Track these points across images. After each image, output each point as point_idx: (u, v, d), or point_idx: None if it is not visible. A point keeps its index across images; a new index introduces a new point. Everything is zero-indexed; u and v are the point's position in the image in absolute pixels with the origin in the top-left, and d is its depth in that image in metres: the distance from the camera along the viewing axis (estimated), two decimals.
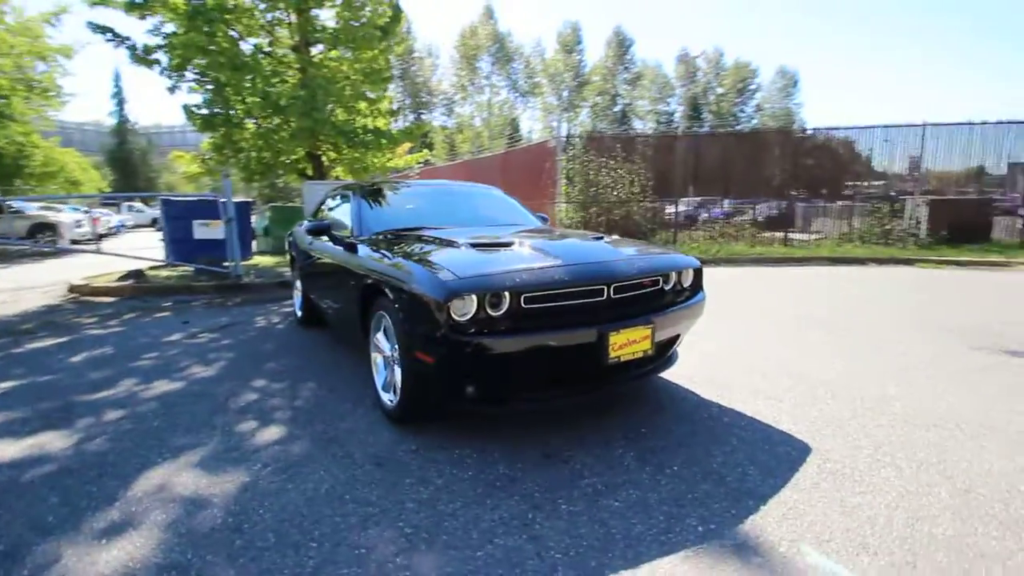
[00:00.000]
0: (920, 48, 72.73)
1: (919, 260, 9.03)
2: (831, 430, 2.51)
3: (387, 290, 2.50)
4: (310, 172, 10.61)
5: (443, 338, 2.13)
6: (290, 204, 13.17)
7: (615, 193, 11.46)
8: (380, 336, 2.77)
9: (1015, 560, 1.60)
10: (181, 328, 4.95)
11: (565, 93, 51.29)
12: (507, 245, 2.66)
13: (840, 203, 11.81)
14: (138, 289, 6.84)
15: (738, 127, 43.70)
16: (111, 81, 50.11)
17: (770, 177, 11.78)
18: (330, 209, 4.30)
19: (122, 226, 21.66)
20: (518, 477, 2.12)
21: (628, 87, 52.35)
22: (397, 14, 9.40)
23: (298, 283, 5.05)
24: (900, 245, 10.42)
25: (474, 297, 2.13)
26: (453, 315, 2.11)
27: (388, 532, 1.77)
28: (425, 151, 11.71)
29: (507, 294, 2.19)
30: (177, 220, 8.21)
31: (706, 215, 13.03)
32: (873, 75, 75.83)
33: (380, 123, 10.05)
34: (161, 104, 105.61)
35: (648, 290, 2.59)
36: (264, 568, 1.60)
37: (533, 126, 53.25)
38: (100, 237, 15.37)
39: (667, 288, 2.71)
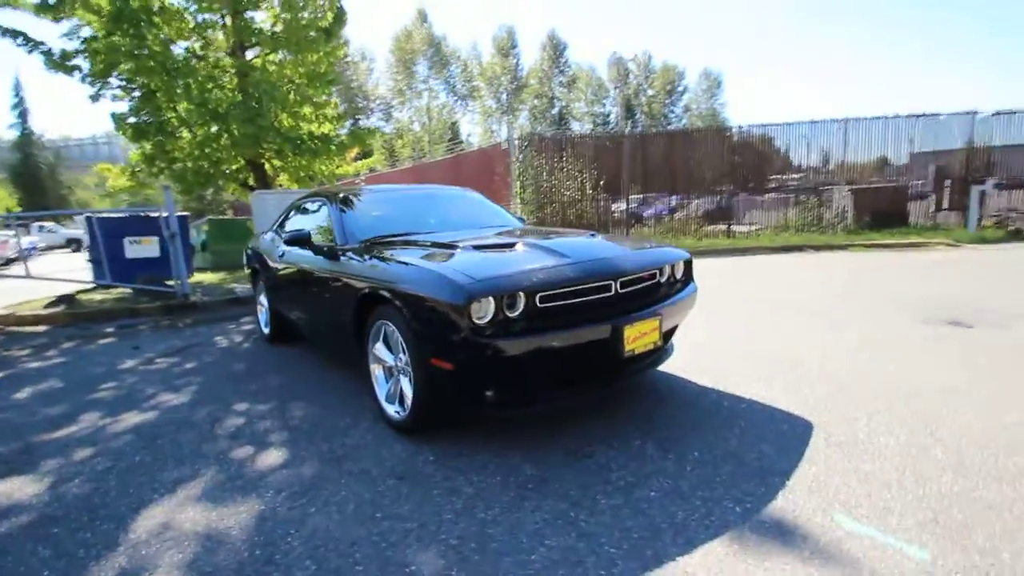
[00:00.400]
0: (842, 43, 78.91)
1: (851, 245, 9.77)
2: (824, 406, 2.67)
3: (392, 298, 2.42)
4: (252, 182, 10.12)
5: (463, 342, 2.09)
6: (229, 217, 12.47)
7: (567, 193, 11.68)
8: (380, 347, 2.68)
9: (1019, 507, 1.76)
10: (132, 354, 4.57)
11: (504, 96, 51.66)
12: (510, 246, 2.64)
13: (775, 195, 12.59)
14: (73, 315, 6.25)
15: (670, 127, 45.50)
16: (10, 91, 45.58)
17: (705, 173, 12.31)
18: (301, 218, 4.11)
19: (33, 248, 19.70)
20: (547, 477, 2.11)
21: (564, 90, 53.45)
22: (340, 15, 9.14)
23: (262, 298, 4.80)
24: (832, 232, 11.24)
25: (492, 299, 2.11)
26: (473, 318, 2.08)
27: (434, 546, 1.71)
28: (373, 157, 11.43)
29: (523, 294, 2.18)
30: (110, 238, 7.57)
31: (651, 211, 13.52)
32: (806, 72, 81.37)
33: (326, 128, 9.73)
34: (71, 115, 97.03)
35: (649, 283, 2.65)
36: None
37: (473, 129, 53.32)
38: (8, 262, 13.95)
39: (663, 280, 2.79)
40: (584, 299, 2.33)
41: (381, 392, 2.72)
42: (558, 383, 2.37)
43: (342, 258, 3.01)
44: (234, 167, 9.63)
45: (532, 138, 11.67)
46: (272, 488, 2.14)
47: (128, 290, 7.20)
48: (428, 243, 2.83)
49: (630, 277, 2.48)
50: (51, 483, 2.28)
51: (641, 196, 13.51)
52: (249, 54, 9.08)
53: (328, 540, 1.77)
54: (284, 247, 3.89)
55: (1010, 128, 10.85)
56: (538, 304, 2.21)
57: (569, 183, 11.63)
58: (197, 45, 8.76)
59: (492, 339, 2.09)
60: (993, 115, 10.89)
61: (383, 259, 2.68)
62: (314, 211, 3.89)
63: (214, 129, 8.43)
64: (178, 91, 7.69)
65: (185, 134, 8.69)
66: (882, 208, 11.05)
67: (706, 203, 12.96)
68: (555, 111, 52.66)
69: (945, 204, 11.31)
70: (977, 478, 1.95)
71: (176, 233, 6.77)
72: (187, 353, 4.52)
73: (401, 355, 2.53)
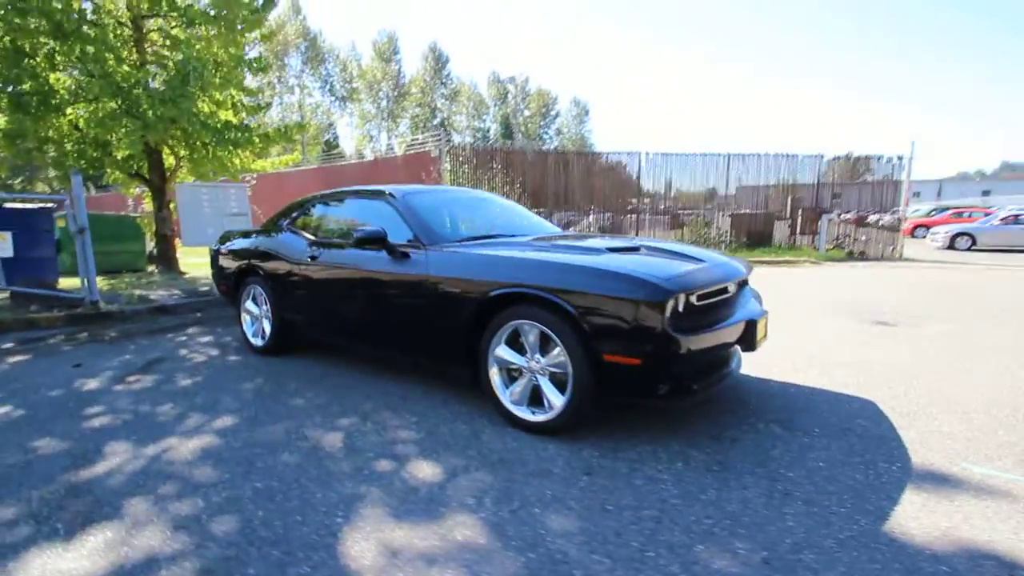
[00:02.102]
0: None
1: None
2: (865, 388, 3.23)
3: (545, 298, 2.41)
4: (146, 172, 8.72)
5: (654, 338, 2.20)
6: (108, 213, 10.49)
7: None
8: (503, 349, 2.64)
9: None
10: (81, 373, 3.76)
11: (384, 102, 50.36)
12: (635, 250, 2.80)
13: (666, 216, 14.10)
14: None
15: (544, 148, 48.21)
16: None
17: (591, 191, 13.13)
18: (334, 216, 3.78)
19: None
20: (722, 460, 2.29)
21: (446, 101, 53.79)
22: None
23: (250, 305, 4.26)
24: (717, 250, 13.03)
25: (681, 296, 2.26)
26: (666, 315, 2.20)
27: (717, 534, 1.80)
28: (296, 154, 10.47)
29: (692, 294, 2.36)
30: None
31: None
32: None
33: (237, 119, 8.69)
34: None
35: (745, 287, 3.00)
36: None
37: (351, 132, 51.03)
38: None
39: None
40: (720, 298, 2.59)
41: (504, 395, 2.67)
42: (707, 372, 2.56)
43: (440, 259, 2.88)
44: (126, 153, 8.19)
45: (463, 148, 11.70)
46: (467, 497, 2.02)
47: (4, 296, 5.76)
48: (556, 245, 2.87)
49: (743, 280, 2.80)
50: (186, 525, 1.88)
51: (540, 210, 14.12)
52: (159, 25, 7.84)
53: (595, 541, 1.75)
54: (322, 249, 3.55)
55: (848, 168, 13.63)
56: (695, 302, 2.41)
57: (499, 193, 11.87)
58: (88, 7, 7.33)
59: (679, 334, 2.23)
60: (832, 158, 13.60)
61: (520, 260, 2.64)
62: (360, 209, 3.61)
63: (111, 107, 7.12)
64: (75, 57, 6.35)
65: (70, 112, 7.18)
66: (757, 230, 13.08)
67: (600, 220, 13.94)
68: (437, 121, 52.67)
69: (798, 229, 13.73)
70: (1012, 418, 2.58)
71: (85, 228, 5.61)
72: (160, 370, 3.83)
73: (537, 356, 2.54)
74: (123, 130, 7.17)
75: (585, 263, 2.45)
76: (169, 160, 8.87)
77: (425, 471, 2.25)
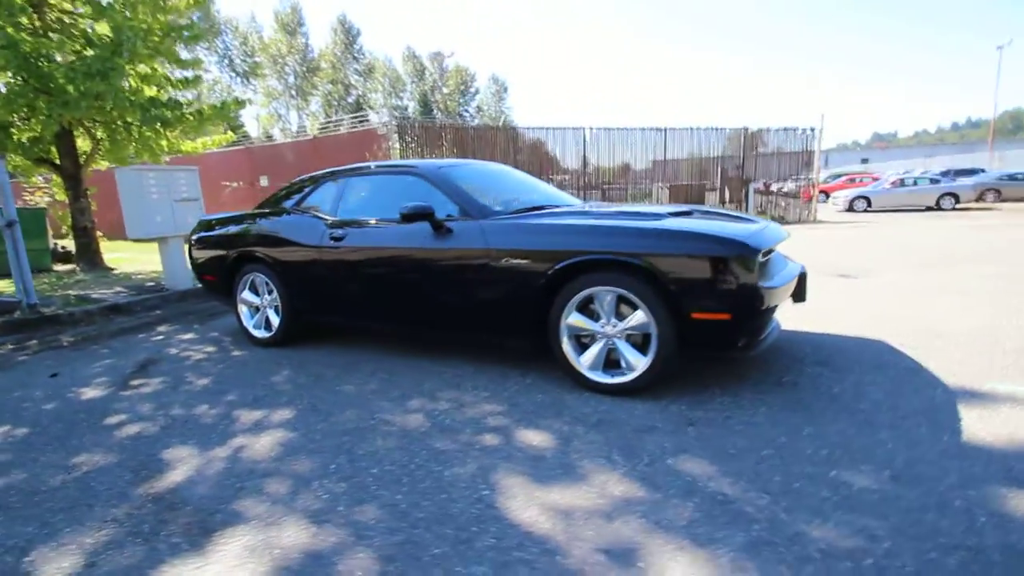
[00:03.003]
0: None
1: None
2: (866, 330, 3.62)
3: (636, 262, 2.46)
4: (55, 157, 7.65)
5: (748, 292, 2.35)
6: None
7: None
8: (575, 316, 2.68)
9: None
10: (66, 383, 3.33)
11: (292, 79, 47.04)
12: (689, 214, 2.92)
13: (614, 187, 14.56)
14: None
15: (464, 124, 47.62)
16: None
17: (539, 166, 13.21)
18: (352, 194, 3.56)
19: None
20: (805, 402, 2.50)
21: (360, 78, 51.26)
22: None
23: (248, 295, 3.95)
24: None
25: (762, 254, 2.41)
26: (756, 271, 2.35)
27: (840, 460, 1.98)
28: (230, 134, 9.52)
29: (768, 252, 2.53)
30: None
31: None
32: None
33: (155, 93, 7.77)
34: None
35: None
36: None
37: (256, 111, 47.27)
38: None
39: None
40: (772, 256, 2.79)
41: (578, 361, 2.71)
42: (769, 324, 2.74)
43: (499, 231, 2.84)
44: (29, 135, 7.10)
45: (410, 124, 11.29)
46: (595, 457, 2.06)
47: None
48: (613, 212, 2.91)
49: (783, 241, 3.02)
50: (327, 518, 1.76)
51: None
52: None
53: (737, 477, 1.87)
54: (347, 230, 3.36)
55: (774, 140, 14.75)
56: (761, 260, 2.58)
57: None
58: None
59: (765, 288, 2.39)
60: (756, 130, 14.64)
61: (595, 227, 2.66)
62: (385, 187, 3.43)
63: (16, 82, 6.13)
64: None
65: None
66: (693, 199, 13.88)
67: None
68: (351, 99, 50.16)
69: (727, 198, 14.75)
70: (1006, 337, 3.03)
71: (15, 221, 4.86)
72: (160, 371, 3.48)
73: (613, 320, 2.61)
74: (33, 109, 6.21)
75: (669, 226, 2.53)
76: (84, 143, 7.81)
77: (535, 439, 2.26)
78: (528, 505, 1.78)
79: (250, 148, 13.95)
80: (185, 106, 7.64)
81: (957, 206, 16.37)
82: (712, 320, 2.41)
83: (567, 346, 2.74)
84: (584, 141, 13.38)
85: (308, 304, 3.65)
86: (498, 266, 2.82)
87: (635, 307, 2.52)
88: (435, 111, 54.41)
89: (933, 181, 17.01)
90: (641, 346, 2.59)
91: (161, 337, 4.47)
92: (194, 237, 4.33)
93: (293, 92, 47.83)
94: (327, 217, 3.54)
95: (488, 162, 4.01)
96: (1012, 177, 18.32)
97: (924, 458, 1.96)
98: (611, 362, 2.69)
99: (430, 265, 3.05)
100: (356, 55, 50.24)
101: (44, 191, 12.02)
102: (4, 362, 3.89)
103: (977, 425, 2.19)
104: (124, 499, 1.96)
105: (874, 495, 1.75)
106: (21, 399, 3.09)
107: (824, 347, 3.29)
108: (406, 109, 53.66)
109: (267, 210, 3.94)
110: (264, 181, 13.14)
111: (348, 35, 49.40)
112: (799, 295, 2.82)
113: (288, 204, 3.82)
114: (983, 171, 20.48)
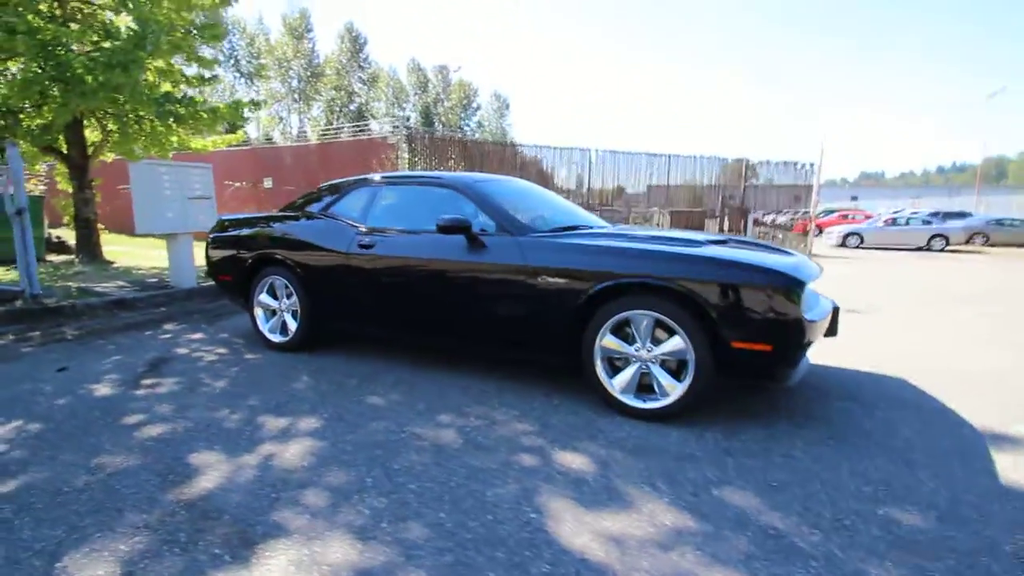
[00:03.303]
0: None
1: None
2: (883, 366, 3.65)
3: (674, 287, 2.47)
4: (64, 148, 7.56)
5: (791, 324, 2.36)
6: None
7: None
8: (610, 338, 2.67)
9: None
10: (76, 379, 3.25)
11: (296, 83, 47.19)
12: (724, 242, 2.95)
13: (608, 209, 14.72)
14: None
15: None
16: None
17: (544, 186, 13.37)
18: (383, 202, 3.55)
19: None
20: (840, 437, 2.51)
21: (364, 87, 51.56)
22: None
23: (265, 298, 3.90)
24: None
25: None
26: (801, 304, 2.37)
27: (884, 499, 1.97)
28: (240, 133, 9.48)
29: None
30: None
31: None
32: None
33: (170, 88, 7.74)
34: None
35: None
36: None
37: (258, 113, 47.22)
38: None
39: None
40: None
41: (611, 383, 2.70)
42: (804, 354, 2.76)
43: (538, 249, 2.84)
44: (39, 123, 7.01)
45: (419, 135, 11.33)
46: (639, 483, 2.03)
47: None
48: (651, 237, 2.92)
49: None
50: (373, 534, 1.71)
51: None
52: None
53: (786, 511, 1.86)
54: (378, 237, 3.34)
55: (765, 171, 15.04)
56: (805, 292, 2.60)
57: None
58: None
59: (808, 321, 2.41)
60: (755, 162, 14.92)
61: (637, 251, 2.67)
62: (418, 198, 3.43)
63: (33, 69, 6.06)
64: None
65: None
66: (694, 226, 14.03)
67: None
68: (353, 107, 50.39)
69: (727, 227, 14.94)
70: None
71: (24, 208, 4.77)
72: (173, 371, 3.41)
73: (648, 344, 2.60)
74: (46, 96, 6.14)
75: (716, 255, 2.54)
76: (93, 134, 7.73)
77: (573, 462, 2.23)
78: (579, 531, 1.75)
79: (255, 149, 13.89)
80: (200, 103, 7.61)
81: (947, 248, 16.74)
82: (753, 350, 2.41)
83: (600, 368, 2.73)
84: (590, 162, 13.53)
85: (330, 310, 3.61)
86: (534, 283, 2.81)
87: (672, 332, 2.52)
88: (436, 124, 54.75)
89: (925, 222, 17.42)
90: (675, 372, 2.58)
91: (169, 336, 4.38)
92: (212, 236, 4.27)
93: (296, 96, 47.94)
94: (356, 224, 3.52)
95: (514, 178, 4.01)
96: (999, 222, 18.82)
97: (965, 499, 1.96)
98: (642, 386, 2.68)
99: (463, 277, 3.04)
100: (361, 63, 50.61)
101: (38, 180, 11.85)
102: (8, 353, 3.78)
103: (1011, 468, 2.20)
104: (154, 504, 1.90)
105: (924, 535, 1.75)
106: (32, 392, 2.99)
107: (846, 382, 3.31)
108: (408, 120, 53.94)
109: (291, 213, 3.90)
110: (268, 183, 13.07)
111: (355, 43, 49.80)
112: (832, 330, 2.85)
113: (314, 208, 3.79)
114: (971, 215, 21.02)
